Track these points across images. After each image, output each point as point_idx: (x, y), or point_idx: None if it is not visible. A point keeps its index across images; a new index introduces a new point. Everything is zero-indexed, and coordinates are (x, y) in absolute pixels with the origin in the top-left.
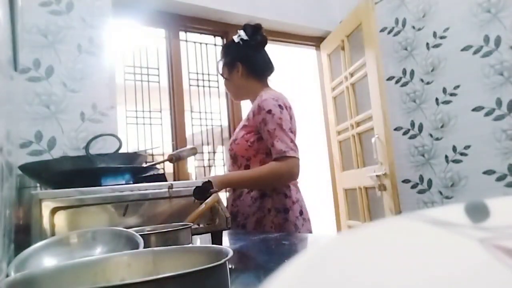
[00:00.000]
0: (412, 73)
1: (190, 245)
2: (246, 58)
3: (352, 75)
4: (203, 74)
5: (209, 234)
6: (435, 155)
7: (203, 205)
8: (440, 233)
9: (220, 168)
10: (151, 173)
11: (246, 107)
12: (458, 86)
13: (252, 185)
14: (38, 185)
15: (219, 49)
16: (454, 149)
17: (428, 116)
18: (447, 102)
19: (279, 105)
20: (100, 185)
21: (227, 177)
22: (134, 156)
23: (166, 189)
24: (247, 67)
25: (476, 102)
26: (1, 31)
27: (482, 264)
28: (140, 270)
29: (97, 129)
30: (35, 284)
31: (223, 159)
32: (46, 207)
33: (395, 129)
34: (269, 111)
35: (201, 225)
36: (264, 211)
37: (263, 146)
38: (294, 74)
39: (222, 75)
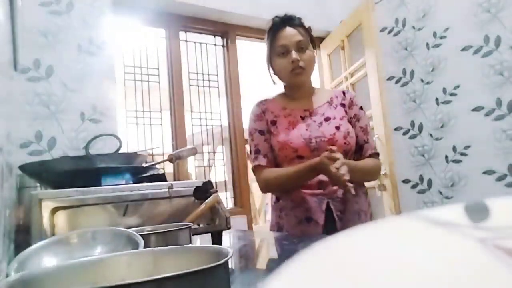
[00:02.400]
0: (412, 73)
1: (190, 245)
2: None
3: (352, 75)
4: (203, 74)
5: (209, 234)
6: (435, 155)
7: (203, 205)
8: (440, 233)
9: (220, 168)
10: (151, 173)
11: (246, 107)
12: (458, 86)
13: (363, 177)
14: (38, 185)
15: (219, 49)
16: (454, 149)
17: (428, 116)
18: (447, 102)
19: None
20: (100, 185)
21: (352, 162)
22: (134, 156)
23: (166, 189)
24: None
25: (476, 102)
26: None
27: (482, 264)
28: (140, 270)
29: (97, 129)
30: (35, 284)
31: (223, 159)
32: (46, 207)
33: (395, 129)
34: (361, 108)
35: (201, 225)
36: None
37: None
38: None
39: (312, 43)
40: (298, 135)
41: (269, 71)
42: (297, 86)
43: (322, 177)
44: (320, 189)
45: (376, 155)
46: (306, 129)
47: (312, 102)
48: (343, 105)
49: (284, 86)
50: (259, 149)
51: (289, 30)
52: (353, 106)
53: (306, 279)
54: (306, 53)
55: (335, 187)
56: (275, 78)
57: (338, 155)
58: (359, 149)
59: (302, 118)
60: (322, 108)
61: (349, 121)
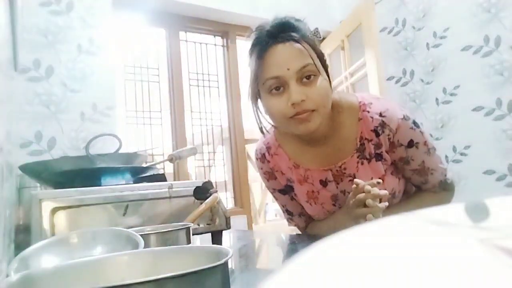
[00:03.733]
0: (412, 73)
1: (190, 245)
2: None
3: (352, 75)
4: (203, 74)
5: (209, 234)
6: None
7: (203, 205)
8: (440, 233)
9: (220, 168)
10: (151, 173)
11: (246, 106)
12: (458, 86)
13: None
14: (38, 185)
15: (219, 49)
16: (454, 149)
17: (428, 116)
18: (447, 102)
19: None
20: (100, 185)
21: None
22: (134, 156)
23: (166, 189)
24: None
25: (476, 102)
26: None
27: (482, 264)
28: (140, 270)
29: (97, 129)
30: (35, 284)
31: (223, 159)
32: (46, 207)
33: None
34: (410, 144)
35: (201, 225)
36: None
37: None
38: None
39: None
40: (324, 210)
41: (256, 112)
42: (304, 137)
43: (336, 191)
44: (335, 205)
45: (442, 185)
46: (334, 204)
47: (334, 150)
48: (379, 156)
49: None
50: (290, 211)
51: (283, 51)
52: (395, 149)
53: (306, 279)
54: (316, 83)
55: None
56: (266, 122)
57: (367, 187)
58: (416, 187)
59: (324, 184)
60: (350, 165)
61: (395, 163)
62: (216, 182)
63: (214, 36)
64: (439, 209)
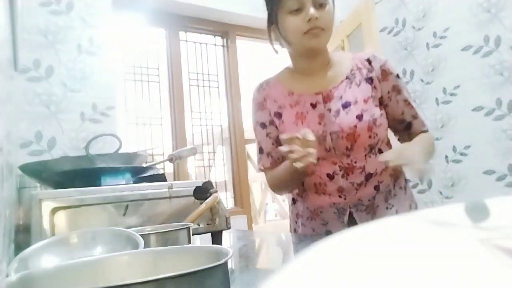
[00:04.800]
0: (412, 73)
1: (190, 245)
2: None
3: None
4: (203, 74)
5: (209, 234)
6: (435, 155)
7: (203, 205)
8: (440, 233)
9: (220, 168)
10: (151, 173)
11: (246, 107)
12: (458, 86)
13: (429, 157)
14: (38, 185)
15: (219, 49)
16: (454, 149)
17: (428, 116)
18: (447, 102)
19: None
20: (100, 185)
21: (418, 149)
22: (134, 156)
23: (166, 189)
24: None
25: (476, 102)
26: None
27: (482, 264)
28: (140, 270)
29: (97, 129)
30: (35, 284)
31: (223, 159)
32: (46, 207)
33: None
34: (398, 76)
35: (201, 225)
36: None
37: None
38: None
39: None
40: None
41: (270, 36)
42: (311, 54)
43: (343, 182)
44: (341, 197)
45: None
46: (319, 122)
47: (327, 79)
48: (369, 80)
49: (292, 57)
50: (262, 148)
51: None
52: (387, 77)
53: (306, 280)
54: (326, 9)
55: (360, 193)
56: (279, 46)
57: (309, 137)
58: (406, 127)
59: (314, 106)
60: (339, 88)
61: (381, 100)
62: (216, 182)
63: (214, 36)
64: (439, 209)
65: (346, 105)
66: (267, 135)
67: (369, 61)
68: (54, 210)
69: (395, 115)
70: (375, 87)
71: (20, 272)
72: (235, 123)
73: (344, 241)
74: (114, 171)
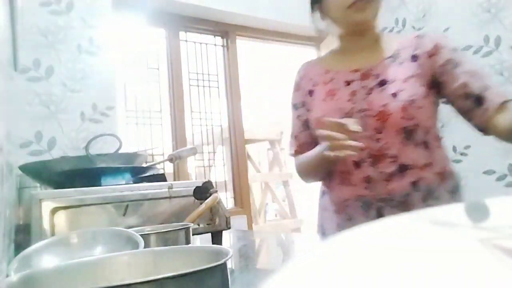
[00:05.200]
0: None
1: (190, 245)
2: None
3: None
4: (203, 74)
5: (209, 234)
6: None
7: (203, 205)
8: (441, 233)
9: (220, 168)
10: (151, 173)
11: (246, 106)
12: None
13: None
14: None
15: (219, 49)
16: (454, 149)
17: None
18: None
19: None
20: (100, 185)
21: None
22: (134, 156)
23: (166, 189)
24: None
25: None
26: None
27: (482, 264)
28: (140, 270)
29: (97, 129)
30: (35, 284)
31: (223, 159)
32: (46, 207)
33: None
34: (455, 49)
35: (201, 225)
36: None
37: (438, 109)
38: (295, 74)
39: None
40: (335, 108)
41: (312, 12)
42: (357, 30)
43: (371, 171)
44: (367, 189)
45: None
46: (349, 100)
47: (369, 58)
48: (414, 57)
49: (337, 37)
50: (293, 131)
51: None
52: (440, 51)
53: (306, 280)
54: None
55: (391, 186)
56: (323, 24)
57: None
58: (476, 103)
59: (348, 83)
60: (379, 66)
61: (434, 78)
62: (216, 182)
63: (214, 36)
64: (439, 209)
65: (382, 83)
66: (297, 117)
67: (418, 38)
68: (54, 210)
69: (457, 91)
70: (421, 65)
71: (20, 272)
72: (235, 123)
73: (344, 241)
74: (114, 171)
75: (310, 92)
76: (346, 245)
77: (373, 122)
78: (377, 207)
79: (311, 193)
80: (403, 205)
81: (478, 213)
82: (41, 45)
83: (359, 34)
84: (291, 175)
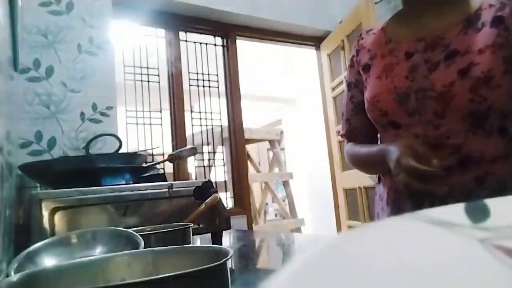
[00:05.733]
0: None
1: (190, 245)
2: None
3: None
4: (203, 74)
5: (209, 234)
6: None
7: (203, 205)
8: (440, 233)
9: (220, 168)
10: (151, 173)
11: (246, 106)
12: None
13: None
14: (38, 185)
15: (219, 49)
16: None
17: None
18: None
19: None
20: (100, 185)
21: None
22: (134, 156)
23: (166, 189)
24: None
25: None
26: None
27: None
28: (140, 270)
29: (97, 129)
30: (35, 284)
31: (223, 159)
32: (46, 207)
33: None
34: None
35: (201, 225)
36: None
37: None
38: (294, 74)
39: None
40: (390, 87)
41: None
42: None
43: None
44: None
45: None
46: (407, 76)
47: (439, 22)
48: (497, 20)
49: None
50: (343, 112)
51: None
52: None
53: (306, 280)
54: None
55: (449, 181)
56: None
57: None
58: None
59: (410, 55)
60: (450, 33)
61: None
62: (216, 182)
63: (214, 36)
64: (439, 209)
65: (451, 55)
66: (350, 98)
67: None
68: (54, 210)
69: None
70: (506, 30)
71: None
72: (235, 123)
73: (344, 241)
74: (114, 171)
75: (367, 67)
76: (345, 245)
77: (432, 103)
78: (431, 203)
79: (311, 193)
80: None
81: (478, 213)
82: (41, 45)
83: None
84: (291, 175)
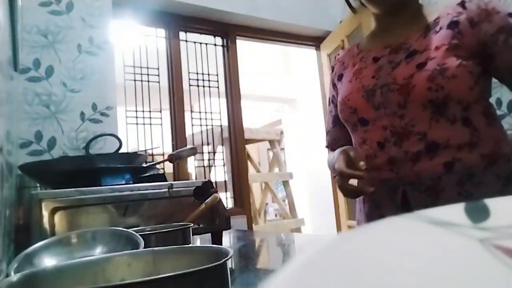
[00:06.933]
0: None
1: (190, 245)
2: None
3: None
4: (203, 74)
5: (209, 234)
6: None
7: (203, 205)
8: (440, 233)
9: (220, 168)
10: (151, 173)
11: (246, 106)
12: None
13: None
14: (38, 185)
15: (219, 49)
16: None
17: None
18: None
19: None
20: (100, 185)
21: None
22: (134, 156)
23: (166, 189)
24: None
25: None
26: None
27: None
28: (140, 270)
29: (97, 129)
30: (35, 284)
31: (223, 159)
32: (46, 207)
33: None
34: (510, 15)
35: (201, 225)
36: None
37: (488, 83)
38: (294, 74)
39: None
40: (359, 86)
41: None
42: (393, 8)
43: (395, 151)
44: (393, 171)
45: None
46: (373, 76)
47: (404, 33)
48: (453, 24)
49: (374, 15)
50: (326, 125)
51: None
52: (490, 17)
53: (305, 280)
54: None
55: (418, 167)
56: (357, 3)
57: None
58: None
59: (376, 59)
60: (412, 38)
61: (484, 48)
62: (216, 182)
63: (214, 36)
64: (439, 209)
65: (411, 54)
66: (329, 112)
67: (462, 4)
68: (54, 210)
69: (510, 64)
70: (459, 33)
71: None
72: (235, 123)
73: (344, 241)
74: (114, 171)
75: (340, 77)
76: (345, 245)
77: (395, 95)
78: (403, 191)
79: (311, 193)
80: (433, 190)
81: (478, 213)
82: (41, 45)
83: (395, 11)
84: (291, 175)
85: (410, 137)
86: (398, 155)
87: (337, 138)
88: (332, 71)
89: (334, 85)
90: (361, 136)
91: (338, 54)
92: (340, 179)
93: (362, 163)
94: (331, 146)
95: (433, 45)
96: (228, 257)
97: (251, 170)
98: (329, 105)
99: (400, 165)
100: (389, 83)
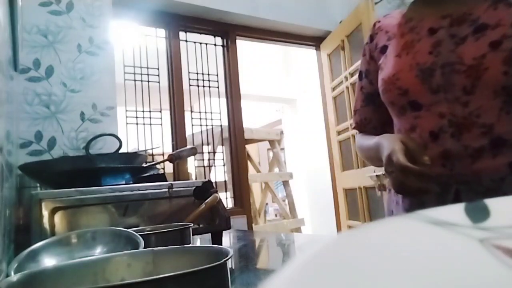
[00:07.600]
0: None
1: (190, 245)
2: None
3: (352, 75)
4: (203, 74)
5: (209, 234)
6: None
7: (203, 205)
8: (440, 233)
9: (220, 168)
10: (151, 173)
11: (246, 106)
12: None
13: None
14: (38, 185)
15: (219, 49)
16: None
17: None
18: None
19: None
20: (100, 185)
21: None
22: (134, 156)
23: (166, 189)
24: None
25: None
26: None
27: (482, 264)
28: (140, 270)
29: (97, 129)
30: (35, 284)
31: (223, 159)
32: (46, 207)
33: None
34: None
35: (201, 225)
36: None
37: None
38: (294, 74)
39: None
40: (412, 63)
41: None
42: None
43: (452, 144)
44: (445, 166)
45: None
46: (430, 52)
47: (466, 2)
48: None
49: None
50: (355, 103)
51: None
52: None
53: (305, 280)
54: None
55: (478, 165)
56: None
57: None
58: None
59: (433, 31)
60: (479, 9)
61: None
62: (216, 182)
63: (214, 36)
64: (439, 209)
65: (479, 29)
66: (360, 88)
67: None
68: (54, 210)
69: None
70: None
71: (20, 272)
72: (235, 123)
73: (344, 241)
74: (114, 171)
75: (383, 48)
76: (345, 245)
77: (461, 78)
78: (456, 190)
79: (311, 193)
80: (493, 192)
81: (478, 213)
82: (41, 45)
83: None
84: (291, 175)
85: (472, 129)
86: (455, 149)
87: (368, 118)
88: (371, 41)
89: (371, 58)
90: (409, 122)
91: (379, 21)
92: (401, 175)
93: (426, 158)
94: (360, 127)
95: (508, 20)
96: (228, 257)
97: (251, 170)
98: (360, 79)
99: (456, 160)
100: (452, 62)
